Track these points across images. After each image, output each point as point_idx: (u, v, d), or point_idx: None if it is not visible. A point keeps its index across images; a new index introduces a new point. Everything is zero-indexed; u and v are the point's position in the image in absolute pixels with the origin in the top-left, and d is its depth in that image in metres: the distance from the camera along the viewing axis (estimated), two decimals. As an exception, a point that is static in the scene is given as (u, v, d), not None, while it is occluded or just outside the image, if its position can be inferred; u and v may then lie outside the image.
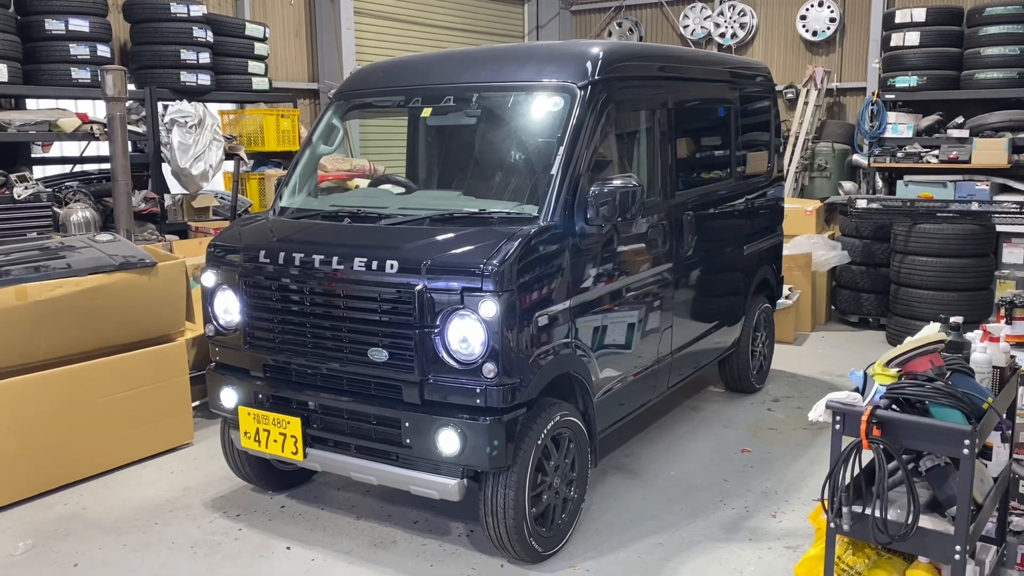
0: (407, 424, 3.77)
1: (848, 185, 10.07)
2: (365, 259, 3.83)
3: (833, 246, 8.37)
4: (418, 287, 3.66)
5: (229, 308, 4.33)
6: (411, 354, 3.71)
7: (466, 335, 3.64)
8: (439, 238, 3.88)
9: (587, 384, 4.18)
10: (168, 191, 7.83)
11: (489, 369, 3.59)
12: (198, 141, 7.51)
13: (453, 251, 3.74)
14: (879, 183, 9.59)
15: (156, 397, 5.30)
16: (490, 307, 3.55)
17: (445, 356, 3.67)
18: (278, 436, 4.14)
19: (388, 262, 3.76)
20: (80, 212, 6.51)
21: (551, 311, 3.84)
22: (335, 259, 3.90)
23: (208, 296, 4.40)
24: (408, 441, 3.79)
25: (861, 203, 8.06)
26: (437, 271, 3.66)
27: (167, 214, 7.63)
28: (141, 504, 4.68)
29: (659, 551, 4.10)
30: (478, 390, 3.63)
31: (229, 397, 4.33)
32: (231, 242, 4.36)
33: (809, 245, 8.36)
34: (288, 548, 4.17)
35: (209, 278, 4.37)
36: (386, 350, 3.77)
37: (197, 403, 5.71)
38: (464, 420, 3.64)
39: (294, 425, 4.07)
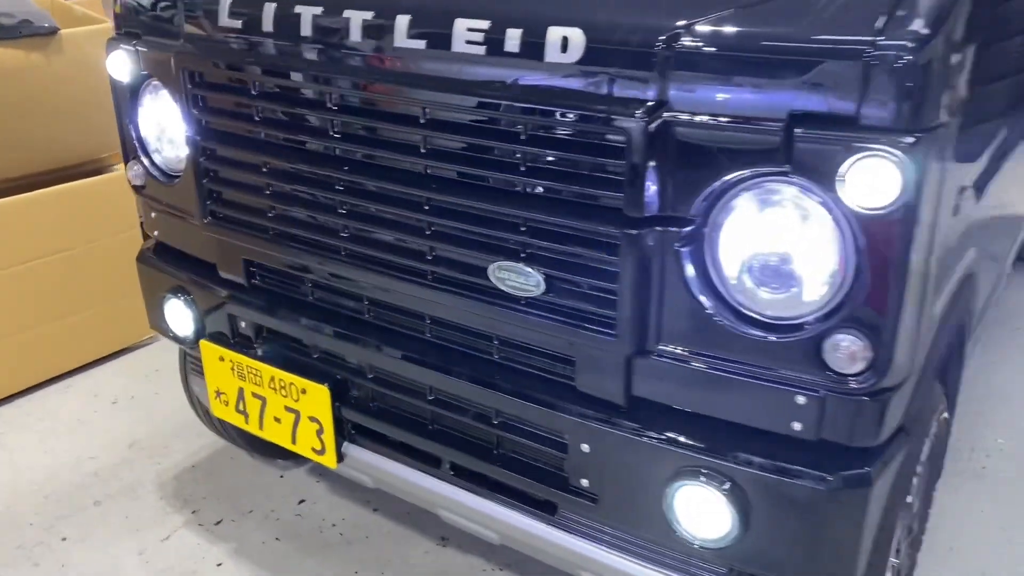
0: (585, 449, 1.53)
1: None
2: (485, 23, 1.42)
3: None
4: (639, 113, 1.28)
5: (170, 129, 2.00)
6: (611, 286, 1.40)
7: (782, 250, 1.30)
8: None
9: (967, 331, 1.87)
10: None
11: (849, 349, 1.27)
12: None
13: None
14: None
15: (86, 267, 3.08)
16: (888, 172, 1.16)
17: (705, 300, 1.35)
18: (283, 413, 1.93)
19: (554, 33, 1.36)
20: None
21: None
22: (405, 23, 1.50)
23: (125, 103, 2.05)
24: (586, 484, 1.56)
25: None
26: (704, 56, 1.26)
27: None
28: (37, 485, 2.58)
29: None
30: (803, 400, 1.34)
31: (180, 317, 2.09)
32: (162, -19, 1.94)
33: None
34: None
35: (121, 63, 2.00)
36: (539, 271, 1.46)
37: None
38: (756, 471, 1.38)
39: (315, 398, 1.84)
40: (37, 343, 2.99)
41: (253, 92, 1.73)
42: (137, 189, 2.13)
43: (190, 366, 2.32)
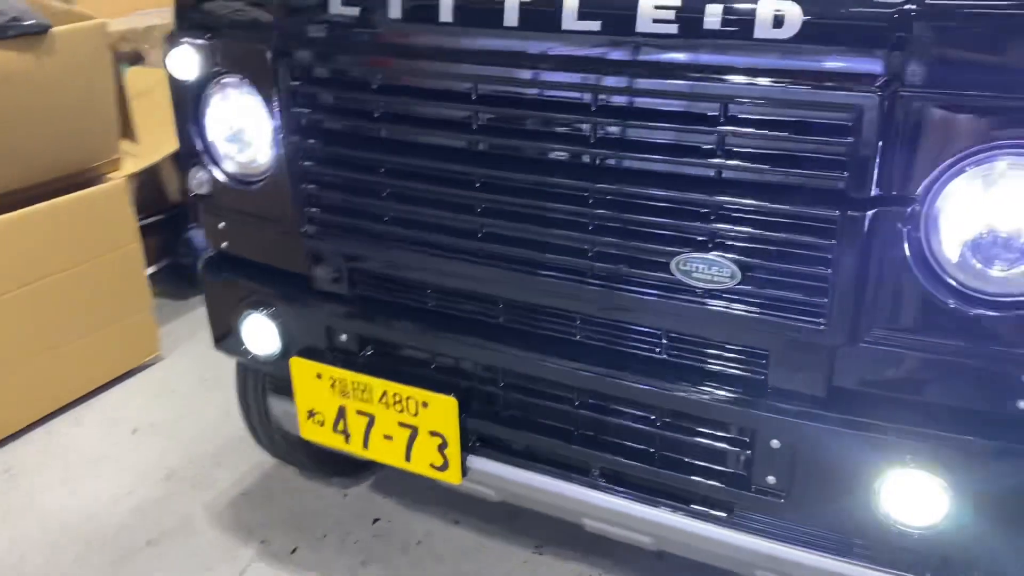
0: (775, 445, 1.46)
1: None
2: (677, 0, 1.33)
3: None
4: (871, 91, 1.21)
5: (248, 132, 1.83)
6: (823, 272, 1.33)
7: (1017, 223, 1.25)
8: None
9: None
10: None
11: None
12: None
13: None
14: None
15: (88, 286, 2.83)
16: None
17: (926, 281, 1.30)
18: (396, 430, 1.80)
19: (765, 7, 1.27)
20: None
21: None
22: (575, 4, 1.38)
23: (191, 105, 1.86)
24: (772, 481, 1.50)
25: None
26: (946, 27, 1.18)
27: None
28: (74, 529, 2.35)
29: None
30: (1030, 379, 1.31)
31: (263, 334, 1.92)
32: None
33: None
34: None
35: (187, 60, 1.81)
36: (733, 260, 1.38)
37: (153, 269, 3.27)
38: (978, 452, 1.34)
39: (440, 410, 1.72)
40: (43, 371, 2.73)
41: (373, 86, 1.59)
42: (201, 198, 1.95)
43: (266, 386, 2.14)
